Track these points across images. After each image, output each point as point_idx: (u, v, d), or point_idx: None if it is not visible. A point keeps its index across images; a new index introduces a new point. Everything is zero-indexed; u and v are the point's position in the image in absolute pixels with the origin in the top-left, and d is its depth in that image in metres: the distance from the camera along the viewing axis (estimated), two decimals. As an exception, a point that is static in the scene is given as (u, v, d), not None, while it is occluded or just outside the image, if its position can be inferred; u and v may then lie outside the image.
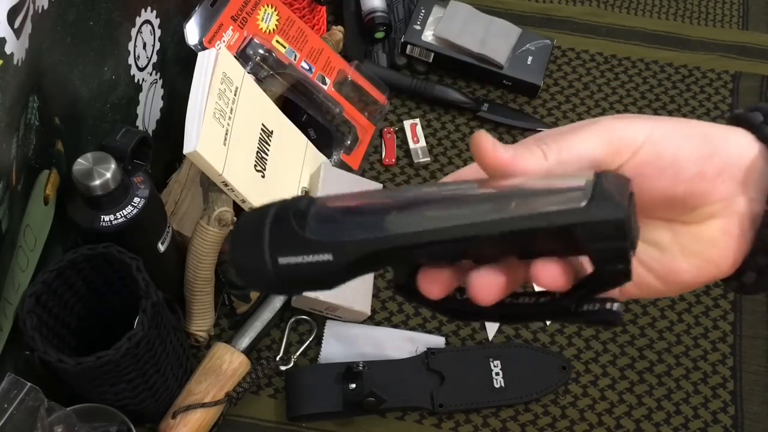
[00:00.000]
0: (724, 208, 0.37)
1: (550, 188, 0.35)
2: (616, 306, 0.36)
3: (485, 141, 0.36)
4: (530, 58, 1.04)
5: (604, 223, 0.32)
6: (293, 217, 0.36)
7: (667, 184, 0.37)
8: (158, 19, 0.83)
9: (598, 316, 0.36)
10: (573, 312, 0.36)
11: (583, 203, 0.32)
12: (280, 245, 0.35)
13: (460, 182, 0.39)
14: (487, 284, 0.35)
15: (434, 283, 0.36)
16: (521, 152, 0.37)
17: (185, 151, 0.73)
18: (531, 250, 0.34)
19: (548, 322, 0.87)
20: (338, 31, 1.04)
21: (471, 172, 0.41)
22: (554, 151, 0.37)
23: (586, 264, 0.35)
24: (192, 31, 0.85)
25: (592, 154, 0.37)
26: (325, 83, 0.95)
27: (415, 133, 1.00)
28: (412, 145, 0.99)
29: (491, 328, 0.86)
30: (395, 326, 0.86)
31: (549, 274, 0.34)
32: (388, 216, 0.35)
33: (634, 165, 0.37)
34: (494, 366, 0.82)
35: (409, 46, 1.04)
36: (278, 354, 0.84)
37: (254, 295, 0.84)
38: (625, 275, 0.33)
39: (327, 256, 0.35)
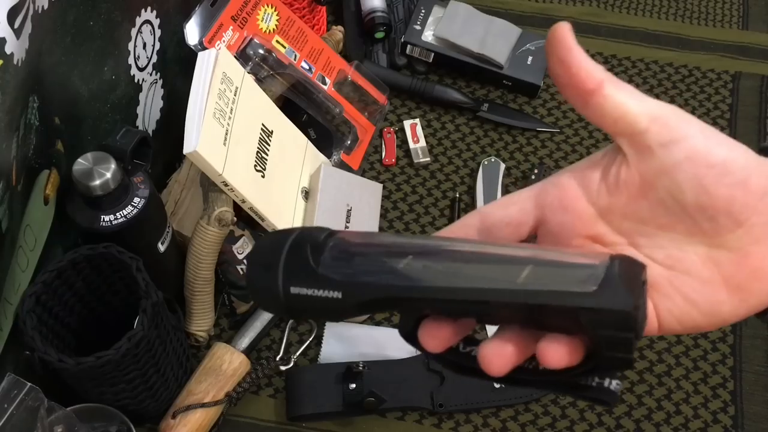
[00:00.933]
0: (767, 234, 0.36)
1: (563, 262, 0.35)
2: (614, 384, 0.36)
3: (576, 52, 0.37)
4: (530, 58, 1.04)
5: (610, 312, 0.31)
6: (310, 248, 0.36)
7: (711, 183, 0.35)
8: (158, 19, 0.83)
9: (593, 392, 0.36)
10: (569, 385, 0.36)
11: (593, 288, 0.32)
12: (294, 275, 0.36)
13: (474, 240, 0.40)
14: (498, 355, 0.35)
15: (434, 338, 0.36)
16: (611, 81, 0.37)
17: (185, 151, 0.73)
18: (537, 322, 0.34)
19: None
20: (338, 31, 1.05)
21: (471, 223, 0.40)
22: (620, 93, 0.37)
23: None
24: (192, 31, 0.85)
25: (653, 112, 0.36)
26: (325, 83, 0.95)
27: (415, 133, 1.00)
28: (412, 145, 0.99)
29: (491, 327, 0.86)
30: (395, 326, 0.86)
31: (554, 354, 0.33)
32: (402, 263, 0.36)
33: (685, 149, 0.36)
34: (494, 366, 0.82)
35: (409, 46, 1.04)
36: (278, 354, 0.84)
37: (254, 295, 0.84)
38: (626, 363, 0.33)
39: (336, 294, 0.35)
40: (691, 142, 0.36)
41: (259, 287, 0.37)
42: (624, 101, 0.37)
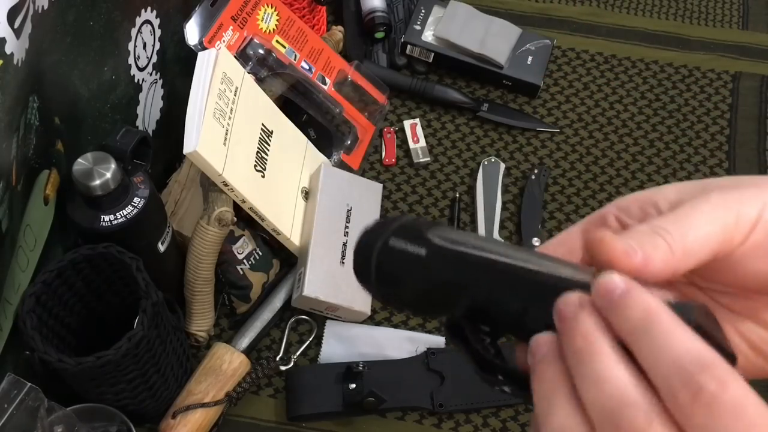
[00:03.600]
0: None
1: None
2: None
3: (613, 243, 0.31)
4: (530, 58, 1.04)
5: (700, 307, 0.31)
6: (421, 223, 0.37)
7: None
8: (158, 19, 0.83)
9: None
10: None
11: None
12: (400, 232, 0.36)
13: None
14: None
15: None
16: (648, 250, 0.31)
17: (185, 151, 0.73)
18: None
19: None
20: (338, 31, 1.05)
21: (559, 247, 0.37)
22: (678, 241, 0.31)
23: None
24: (192, 31, 0.85)
25: (714, 239, 0.31)
26: (325, 83, 0.95)
27: (415, 133, 1.00)
28: (412, 145, 0.99)
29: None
30: (395, 326, 0.86)
31: None
32: (493, 254, 0.35)
33: (748, 248, 0.32)
34: (494, 366, 0.82)
35: (409, 46, 1.04)
36: (278, 354, 0.84)
37: (254, 294, 0.84)
38: None
39: (421, 251, 0.35)
40: (754, 237, 0.32)
41: (364, 239, 0.37)
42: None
